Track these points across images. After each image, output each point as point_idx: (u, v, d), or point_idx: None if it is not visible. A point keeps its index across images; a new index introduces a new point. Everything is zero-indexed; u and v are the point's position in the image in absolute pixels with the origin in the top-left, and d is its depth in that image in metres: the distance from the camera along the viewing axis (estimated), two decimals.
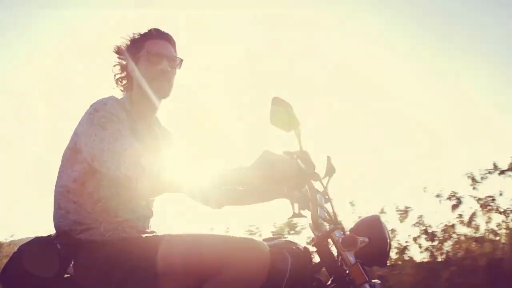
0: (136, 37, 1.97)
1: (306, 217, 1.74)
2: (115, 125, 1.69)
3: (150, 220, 1.92)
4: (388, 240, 1.65)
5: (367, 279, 1.57)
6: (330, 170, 1.75)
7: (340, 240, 1.60)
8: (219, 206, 2.10)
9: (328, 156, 1.76)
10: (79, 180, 1.76)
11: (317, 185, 1.71)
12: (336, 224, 1.64)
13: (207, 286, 1.54)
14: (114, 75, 2.00)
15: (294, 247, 1.67)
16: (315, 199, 1.63)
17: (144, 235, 1.77)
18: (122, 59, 1.98)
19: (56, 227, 1.80)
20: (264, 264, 1.52)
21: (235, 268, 1.51)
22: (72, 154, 1.80)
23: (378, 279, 1.64)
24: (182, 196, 2.09)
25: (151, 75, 1.89)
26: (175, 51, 1.98)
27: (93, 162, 1.68)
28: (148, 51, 1.89)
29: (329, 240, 1.66)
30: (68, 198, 1.77)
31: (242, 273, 1.50)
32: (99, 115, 1.71)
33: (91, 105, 1.77)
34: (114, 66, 2.00)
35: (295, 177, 1.50)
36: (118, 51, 1.98)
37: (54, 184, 1.83)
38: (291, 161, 1.50)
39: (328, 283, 1.66)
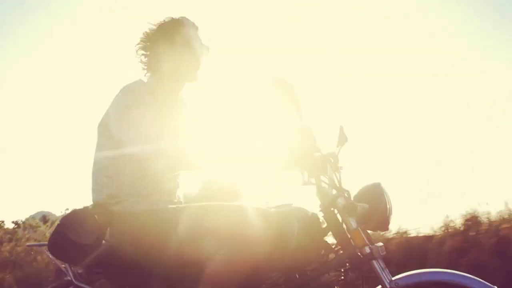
0: (167, 23, 2.09)
1: (314, 184, 1.87)
2: (140, 108, 1.87)
3: (176, 191, 2.10)
4: (388, 206, 1.76)
5: (367, 242, 1.70)
6: (342, 139, 1.85)
7: (343, 206, 1.73)
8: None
9: (340, 126, 1.86)
10: (111, 156, 1.97)
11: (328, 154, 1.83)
12: (340, 191, 1.77)
13: (222, 252, 1.72)
14: (141, 57, 2.12)
15: (302, 213, 1.81)
16: (319, 168, 1.76)
17: (170, 207, 1.96)
18: (151, 42, 2.10)
19: (93, 200, 2.01)
20: (271, 229, 1.70)
21: (245, 234, 1.69)
22: (103, 133, 2.00)
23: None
24: None
25: (188, 61, 2.04)
26: None
27: (120, 141, 1.89)
28: (185, 38, 2.04)
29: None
30: (102, 173, 1.98)
31: (250, 239, 1.68)
32: (126, 99, 1.90)
33: (121, 89, 1.96)
34: (140, 48, 2.11)
35: (300, 149, 1.65)
36: (148, 36, 2.11)
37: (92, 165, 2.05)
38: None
39: (334, 246, 1.80)
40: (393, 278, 1.71)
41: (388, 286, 1.68)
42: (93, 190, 2.02)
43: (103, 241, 1.96)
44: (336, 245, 1.79)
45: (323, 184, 1.78)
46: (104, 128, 2.00)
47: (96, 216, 1.96)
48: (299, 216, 1.80)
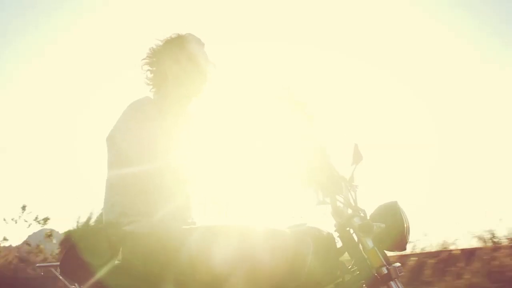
0: (173, 39, 2.11)
1: (329, 204, 1.85)
2: (147, 124, 1.87)
3: (190, 210, 2.08)
4: (405, 225, 1.73)
5: (384, 262, 1.67)
6: (357, 158, 1.83)
7: (359, 225, 1.70)
8: None
9: (355, 144, 1.85)
10: (120, 174, 1.96)
11: (343, 173, 1.81)
12: (356, 210, 1.74)
13: (235, 274, 1.69)
14: (147, 75, 2.13)
15: (317, 233, 1.79)
16: (335, 187, 1.74)
17: (182, 227, 1.94)
18: (157, 58, 2.11)
19: (104, 219, 2.00)
20: (285, 250, 1.67)
21: (260, 255, 1.66)
22: (111, 149, 2.00)
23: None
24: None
25: (193, 77, 2.05)
26: None
27: (127, 156, 1.88)
28: (191, 54, 2.05)
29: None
30: (112, 191, 1.97)
31: (264, 260, 1.65)
32: (134, 115, 1.91)
33: (129, 105, 1.96)
34: (146, 64, 2.13)
35: (313, 167, 1.63)
36: (154, 51, 2.13)
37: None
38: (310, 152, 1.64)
39: (350, 267, 1.77)
40: None
41: None
42: (105, 208, 2.00)
43: (116, 261, 1.94)
44: (352, 265, 1.75)
45: (338, 203, 1.76)
46: (111, 143, 2.00)
47: (108, 236, 1.94)
48: (314, 236, 1.77)
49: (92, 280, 1.89)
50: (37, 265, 2.34)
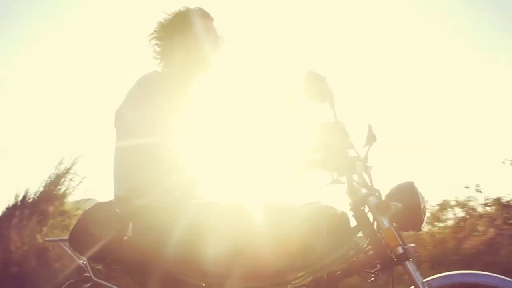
0: (182, 13, 2.07)
1: (344, 183, 1.82)
2: (154, 97, 1.85)
3: (197, 185, 2.06)
4: (422, 206, 1.72)
5: (400, 242, 1.65)
6: (371, 138, 1.80)
7: (375, 205, 1.68)
8: None
9: (369, 124, 1.82)
10: (128, 148, 1.93)
11: (358, 153, 1.79)
12: (371, 190, 1.72)
13: (250, 247, 1.67)
14: (155, 49, 2.10)
15: (331, 211, 1.77)
16: (351, 166, 1.71)
17: (194, 202, 1.92)
18: (166, 31, 2.08)
19: (114, 194, 1.97)
20: (299, 227, 1.65)
21: (273, 232, 1.63)
22: (120, 123, 1.98)
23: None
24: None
25: (202, 51, 2.02)
26: None
27: (136, 130, 1.85)
28: (200, 28, 2.01)
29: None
30: (122, 166, 1.95)
31: (279, 237, 1.63)
32: (141, 89, 1.89)
33: (137, 80, 1.93)
34: (153, 38, 2.10)
35: (332, 145, 1.60)
36: (163, 25, 2.09)
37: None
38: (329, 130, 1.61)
39: (364, 246, 1.75)
40: (424, 280, 1.66)
41: (421, 287, 1.63)
42: (114, 184, 1.98)
43: (125, 236, 1.92)
44: (367, 245, 1.74)
45: (354, 183, 1.74)
46: (120, 117, 1.97)
47: (118, 210, 1.92)
48: (328, 214, 1.76)
49: (101, 255, 1.88)
50: (46, 239, 2.30)
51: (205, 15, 2.08)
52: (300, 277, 1.79)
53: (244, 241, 1.69)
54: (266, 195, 1.85)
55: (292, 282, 1.81)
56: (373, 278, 1.72)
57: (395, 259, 1.66)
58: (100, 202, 1.95)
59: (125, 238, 1.91)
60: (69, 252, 2.05)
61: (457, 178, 4.43)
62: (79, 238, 1.87)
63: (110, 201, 1.96)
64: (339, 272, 1.75)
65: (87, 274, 1.96)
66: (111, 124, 2.02)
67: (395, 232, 1.66)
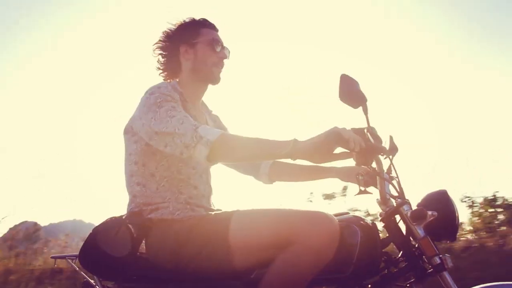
0: (188, 23, 2.00)
1: (372, 193, 1.75)
2: (170, 103, 1.75)
3: (211, 197, 1.96)
4: (457, 214, 1.66)
5: (437, 252, 1.59)
6: (393, 149, 1.74)
7: (409, 214, 1.61)
8: (271, 181, 2.19)
9: (390, 135, 1.75)
10: (139, 162, 1.83)
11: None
12: (403, 199, 1.65)
13: (280, 258, 1.56)
14: (159, 59, 2.03)
15: (362, 222, 1.69)
16: (383, 174, 1.65)
17: (213, 213, 1.82)
18: (171, 42, 2.00)
19: (128, 210, 1.86)
20: (334, 236, 1.54)
21: (307, 239, 1.52)
22: (129, 139, 1.87)
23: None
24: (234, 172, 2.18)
25: (212, 61, 1.95)
26: None
27: (151, 141, 1.74)
28: (209, 38, 1.96)
29: (396, 216, 1.69)
30: (132, 181, 1.84)
31: (313, 244, 1.52)
32: (154, 97, 1.77)
33: (146, 91, 1.84)
34: (158, 48, 2.02)
35: (365, 150, 1.52)
36: (168, 35, 2.01)
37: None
38: (361, 135, 1.53)
39: (396, 258, 1.68)
40: None
41: None
42: (128, 200, 1.89)
43: (138, 253, 1.80)
44: (400, 256, 1.66)
45: (384, 193, 1.67)
46: (129, 133, 1.87)
47: (130, 226, 1.80)
48: (360, 226, 1.67)
49: (112, 273, 1.75)
50: (52, 256, 2.15)
51: (210, 26, 2.02)
52: None
53: (276, 251, 1.58)
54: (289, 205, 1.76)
55: None
56: None
57: (431, 270, 1.59)
58: (112, 217, 1.83)
59: (139, 254, 1.80)
60: (77, 269, 1.93)
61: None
62: (89, 255, 1.74)
63: (121, 216, 1.84)
64: (371, 285, 1.67)
65: None
66: (122, 139, 1.91)
67: (431, 242, 1.59)
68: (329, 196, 4.92)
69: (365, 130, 1.58)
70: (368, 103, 1.63)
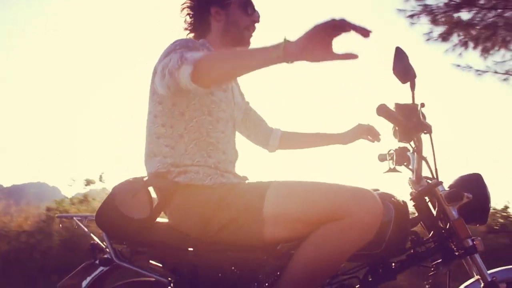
0: None
1: (401, 172, 1.75)
2: (191, 48, 1.63)
3: (236, 162, 1.87)
4: (489, 198, 1.67)
5: (470, 234, 1.60)
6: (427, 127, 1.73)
7: (444, 194, 1.61)
8: (276, 150, 2.21)
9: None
10: (167, 124, 1.72)
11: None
12: (438, 179, 1.66)
13: (322, 233, 1.52)
14: (186, 19, 1.93)
15: (394, 200, 1.67)
16: (422, 152, 1.64)
17: (246, 181, 1.75)
18: (202, 1, 1.90)
19: (149, 171, 1.75)
20: (379, 213, 1.50)
21: (355, 215, 1.49)
22: (153, 98, 1.76)
23: None
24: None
25: (244, 24, 1.87)
26: None
27: (169, 81, 1.57)
28: (243, 0, 1.87)
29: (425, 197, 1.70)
30: (160, 143, 1.72)
31: (360, 221, 1.49)
32: (174, 44, 1.67)
33: (173, 42, 1.71)
34: (187, 7, 1.92)
35: (410, 126, 1.51)
36: None
37: (145, 134, 1.80)
38: (412, 110, 1.52)
39: (425, 238, 1.68)
40: (489, 272, 1.62)
41: (489, 279, 1.58)
42: (151, 162, 1.75)
43: (161, 218, 1.71)
44: (431, 236, 1.66)
45: (420, 170, 1.67)
46: (152, 92, 1.76)
47: (152, 188, 1.71)
48: (392, 203, 1.65)
49: (129, 236, 1.66)
50: (57, 215, 2.00)
51: None
52: (356, 267, 1.69)
53: (312, 224, 1.54)
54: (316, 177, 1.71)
55: (347, 272, 1.70)
56: (434, 272, 1.65)
57: (461, 252, 1.60)
58: (133, 178, 1.73)
59: (161, 220, 1.71)
60: (86, 230, 1.82)
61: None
62: (106, 216, 1.64)
63: (143, 177, 1.74)
64: (396, 264, 1.67)
65: (107, 255, 1.74)
66: (147, 92, 1.79)
67: (464, 224, 1.60)
68: None
69: (419, 107, 1.56)
70: (416, 80, 1.61)
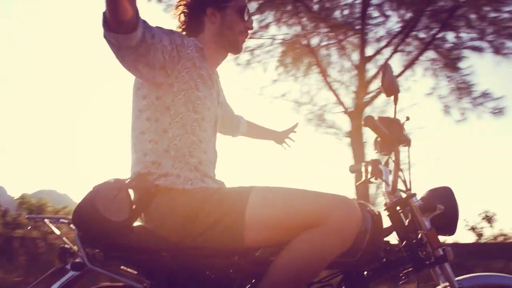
0: None
1: (375, 183, 1.82)
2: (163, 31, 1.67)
3: (216, 164, 1.87)
4: (458, 211, 1.77)
5: (441, 244, 1.68)
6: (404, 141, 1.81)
7: (419, 205, 1.69)
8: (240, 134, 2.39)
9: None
10: (152, 118, 1.70)
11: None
12: (410, 191, 1.74)
13: (301, 239, 1.55)
14: (180, 18, 1.92)
15: (369, 209, 1.73)
16: (399, 164, 1.72)
17: (227, 187, 1.76)
18: (198, 2, 1.89)
19: (132, 172, 1.73)
20: (359, 221, 1.56)
21: (336, 222, 1.53)
22: (137, 93, 1.75)
23: None
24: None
25: (239, 29, 1.87)
26: None
27: (161, 97, 1.68)
28: (240, 4, 1.87)
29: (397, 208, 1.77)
30: (144, 138, 1.71)
31: (341, 228, 1.53)
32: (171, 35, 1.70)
33: None
34: (182, 5, 1.91)
35: (391, 139, 1.58)
36: None
37: (130, 133, 1.78)
38: (395, 124, 1.59)
39: (397, 248, 1.75)
40: (457, 279, 1.71)
41: (457, 287, 1.67)
42: (133, 160, 1.74)
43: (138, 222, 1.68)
44: (403, 246, 1.73)
45: (390, 183, 1.75)
46: (135, 86, 1.76)
47: (132, 190, 1.68)
48: (369, 212, 1.72)
49: (105, 239, 1.61)
50: (27, 216, 1.88)
51: None
52: (331, 275, 1.73)
53: (291, 231, 1.57)
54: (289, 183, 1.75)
55: (321, 280, 1.73)
56: (405, 279, 1.72)
57: (432, 261, 1.68)
58: (113, 179, 1.69)
59: (138, 223, 1.68)
60: (57, 232, 1.75)
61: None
62: (84, 216, 1.59)
63: (125, 179, 1.70)
64: (369, 272, 1.72)
65: (79, 259, 1.68)
66: (131, 87, 1.78)
67: (436, 234, 1.68)
68: None
69: (403, 120, 1.64)
70: (399, 96, 1.69)
